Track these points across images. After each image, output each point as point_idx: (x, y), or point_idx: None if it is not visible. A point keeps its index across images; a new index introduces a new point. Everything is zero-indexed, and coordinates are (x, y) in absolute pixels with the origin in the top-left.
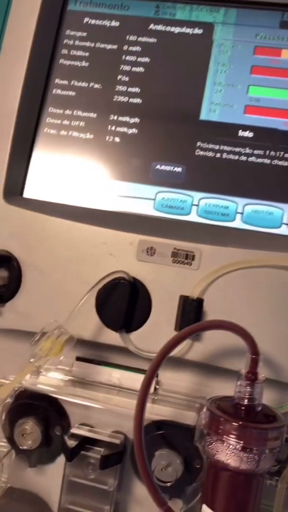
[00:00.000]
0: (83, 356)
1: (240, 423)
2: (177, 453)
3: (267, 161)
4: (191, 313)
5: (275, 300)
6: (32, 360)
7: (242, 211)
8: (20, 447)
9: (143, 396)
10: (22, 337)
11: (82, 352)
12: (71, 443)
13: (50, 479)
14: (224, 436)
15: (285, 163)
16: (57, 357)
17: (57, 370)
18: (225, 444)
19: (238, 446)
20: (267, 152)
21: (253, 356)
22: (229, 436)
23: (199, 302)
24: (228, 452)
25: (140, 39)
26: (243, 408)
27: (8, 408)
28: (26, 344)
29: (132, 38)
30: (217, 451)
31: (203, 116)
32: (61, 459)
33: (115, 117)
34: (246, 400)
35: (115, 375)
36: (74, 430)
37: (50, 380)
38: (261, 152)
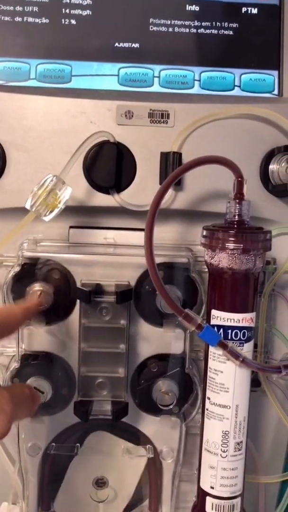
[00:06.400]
0: (76, 225)
1: (237, 230)
2: (176, 287)
3: (214, 31)
4: (172, 166)
5: (242, 145)
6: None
7: (199, 79)
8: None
9: (149, 232)
10: (14, 215)
11: (74, 221)
12: (87, 289)
13: (64, 335)
14: (226, 244)
15: (230, 32)
16: (56, 209)
17: (54, 241)
18: (226, 251)
19: (238, 250)
20: (214, 23)
21: (239, 179)
22: (229, 243)
23: (178, 155)
24: (230, 257)
25: None
26: (235, 222)
27: (14, 276)
28: (18, 222)
29: None
30: (220, 260)
31: None
32: (73, 317)
33: (68, 0)
34: (236, 217)
35: (109, 235)
36: (84, 281)
37: (49, 247)
38: (208, 24)
